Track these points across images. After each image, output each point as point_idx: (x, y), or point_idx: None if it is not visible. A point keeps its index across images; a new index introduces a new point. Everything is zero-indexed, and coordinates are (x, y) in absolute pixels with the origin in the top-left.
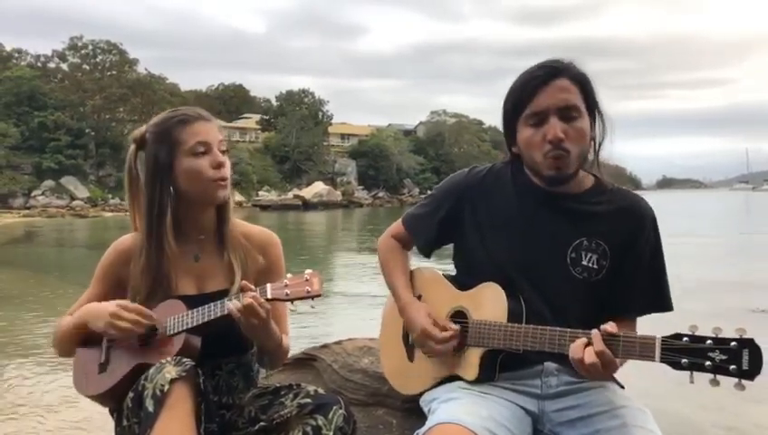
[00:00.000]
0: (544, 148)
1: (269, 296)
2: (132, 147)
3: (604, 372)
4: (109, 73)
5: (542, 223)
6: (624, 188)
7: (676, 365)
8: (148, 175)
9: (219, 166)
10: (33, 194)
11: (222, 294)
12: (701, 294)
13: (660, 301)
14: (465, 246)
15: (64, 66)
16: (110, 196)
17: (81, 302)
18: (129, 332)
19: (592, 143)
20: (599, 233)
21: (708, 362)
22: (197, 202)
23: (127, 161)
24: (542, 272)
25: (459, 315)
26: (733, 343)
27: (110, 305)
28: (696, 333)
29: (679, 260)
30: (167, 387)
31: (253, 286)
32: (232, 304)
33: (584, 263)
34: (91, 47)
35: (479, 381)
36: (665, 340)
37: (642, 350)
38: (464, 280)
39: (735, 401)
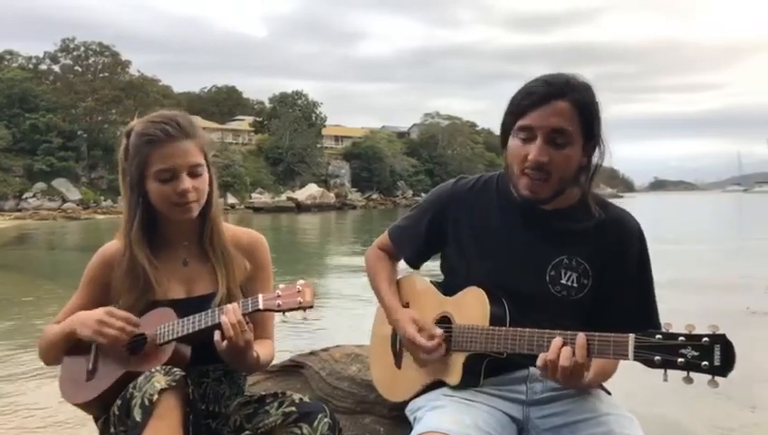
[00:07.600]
0: (524, 164)
1: (261, 307)
2: (124, 142)
3: (571, 378)
4: (101, 75)
5: (522, 239)
6: (612, 202)
7: (650, 363)
8: (126, 183)
9: (182, 193)
10: (24, 196)
11: (210, 298)
12: (698, 295)
13: (647, 320)
14: (448, 258)
15: (56, 68)
16: (102, 198)
17: (67, 308)
18: (115, 339)
19: (584, 168)
20: (580, 251)
21: (681, 359)
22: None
23: (119, 156)
24: (522, 289)
25: (444, 321)
26: (704, 339)
27: (98, 313)
28: (669, 331)
29: (676, 262)
30: (155, 397)
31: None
32: (225, 318)
33: (563, 281)
34: (83, 49)
35: (463, 386)
36: (638, 338)
37: (616, 348)
38: (450, 287)
39: (724, 405)
